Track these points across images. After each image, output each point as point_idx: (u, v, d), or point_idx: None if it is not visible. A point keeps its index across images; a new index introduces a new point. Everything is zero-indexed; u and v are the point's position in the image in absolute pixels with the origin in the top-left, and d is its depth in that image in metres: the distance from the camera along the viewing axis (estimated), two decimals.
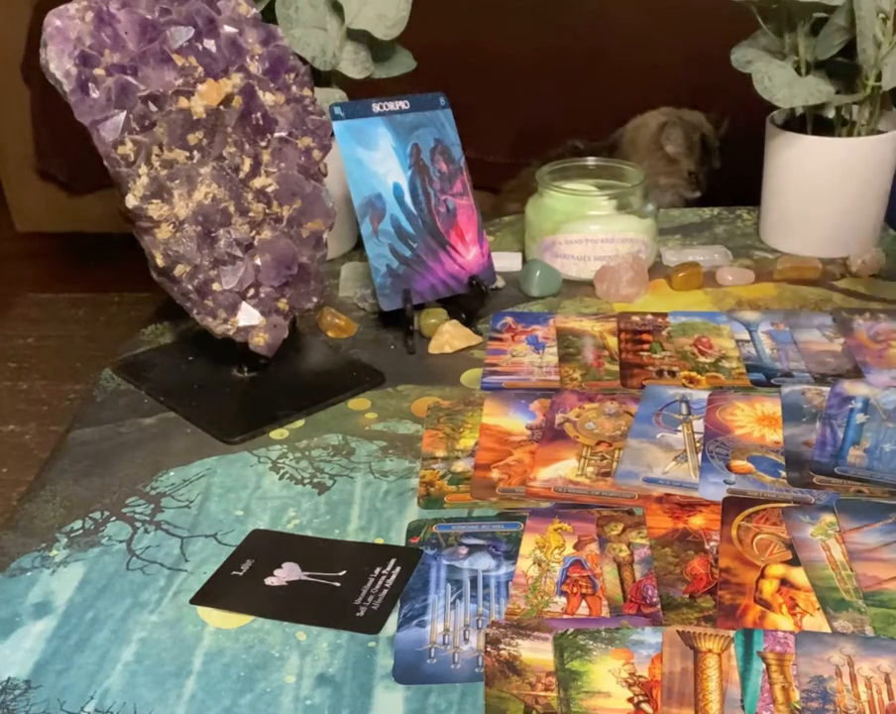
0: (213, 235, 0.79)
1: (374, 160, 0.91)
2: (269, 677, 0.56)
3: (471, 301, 0.95)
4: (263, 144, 0.80)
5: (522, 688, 0.54)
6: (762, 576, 0.62)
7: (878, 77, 0.99)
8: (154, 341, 0.95)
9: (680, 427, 0.77)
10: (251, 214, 0.80)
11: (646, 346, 0.90)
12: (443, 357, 0.90)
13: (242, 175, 0.80)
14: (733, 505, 0.68)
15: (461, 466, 0.74)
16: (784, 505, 0.68)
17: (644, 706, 0.53)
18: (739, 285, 1.01)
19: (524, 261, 1.06)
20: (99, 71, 0.74)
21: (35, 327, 2.24)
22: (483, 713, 0.53)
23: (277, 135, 0.81)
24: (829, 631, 0.57)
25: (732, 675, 0.54)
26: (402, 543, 0.66)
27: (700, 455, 0.74)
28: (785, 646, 0.56)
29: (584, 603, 0.60)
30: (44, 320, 2.27)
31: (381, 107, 0.92)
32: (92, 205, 2.30)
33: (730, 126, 1.63)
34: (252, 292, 0.81)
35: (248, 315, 0.81)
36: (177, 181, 0.77)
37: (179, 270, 0.78)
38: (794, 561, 0.63)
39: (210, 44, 0.78)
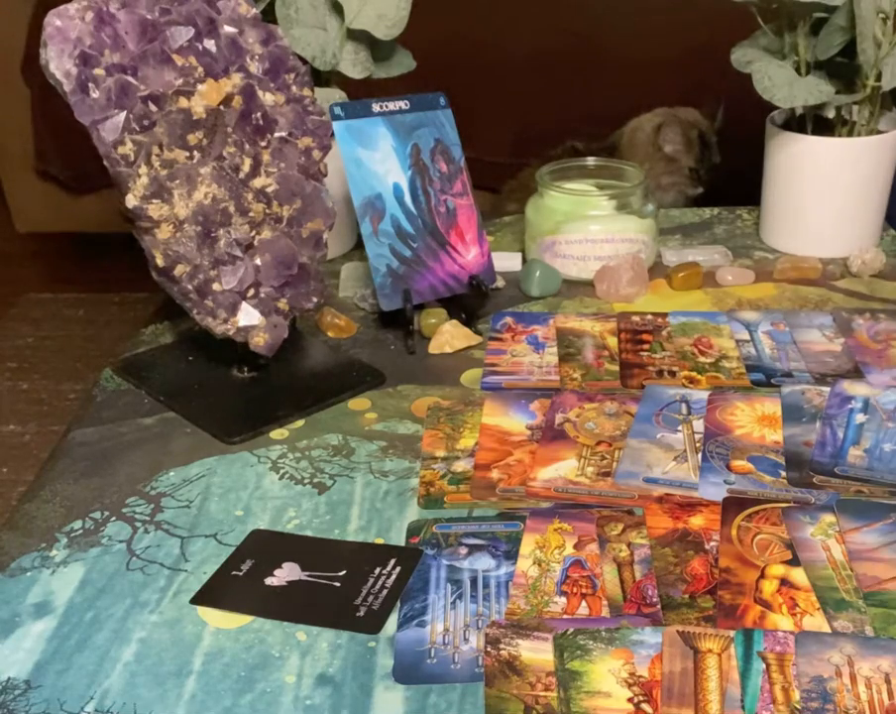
0: (213, 235, 0.79)
1: (374, 160, 0.91)
2: (269, 677, 0.56)
3: (471, 301, 0.95)
4: (263, 144, 0.80)
5: (522, 688, 0.54)
6: (762, 576, 0.62)
7: (878, 77, 0.99)
8: (154, 341, 0.95)
9: (680, 427, 0.77)
10: (251, 214, 0.80)
11: (646, 346, 0.90)
12: (443, 357, 0.90)
13: (242, 175, 0.80)
14: (733, 505, 0.68)
15: (461, 466, 0.74)
16: (784, 505, 0.68)
17: (644, 706, 0.53)
18: (739, 285, 1.01)
19: (524, 261, 1.06)
20: (99, 71, 0.74)
21: (35, 327, 2.24)
22: (483, 713, 0.53)
23: (277, 135, 0.81)
24: (829, 631, 0.57)
25: (732, 675, 0.54)
26: (402, 543, 0.66)
27: (700, 455, 0.74)
28: (785, 646, 0.56)
29: (584, 603, 0.60)
30: (44, 320, 2.27)
31: (381, 107, 0.92)
32: (92, 205, 2.31)
33: (729, 123, 1.63)
34: (252, 292, 0.81)
35: (248, 315, 0.81)
36: (177, 181, 0.77)
37: (179, 270, 0.78)
38: (794, 561, 0.63)
39: (210, 44, 0.78)
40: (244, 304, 0.81)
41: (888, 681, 0.54)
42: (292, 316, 0.84)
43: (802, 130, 1.05)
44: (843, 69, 1.02)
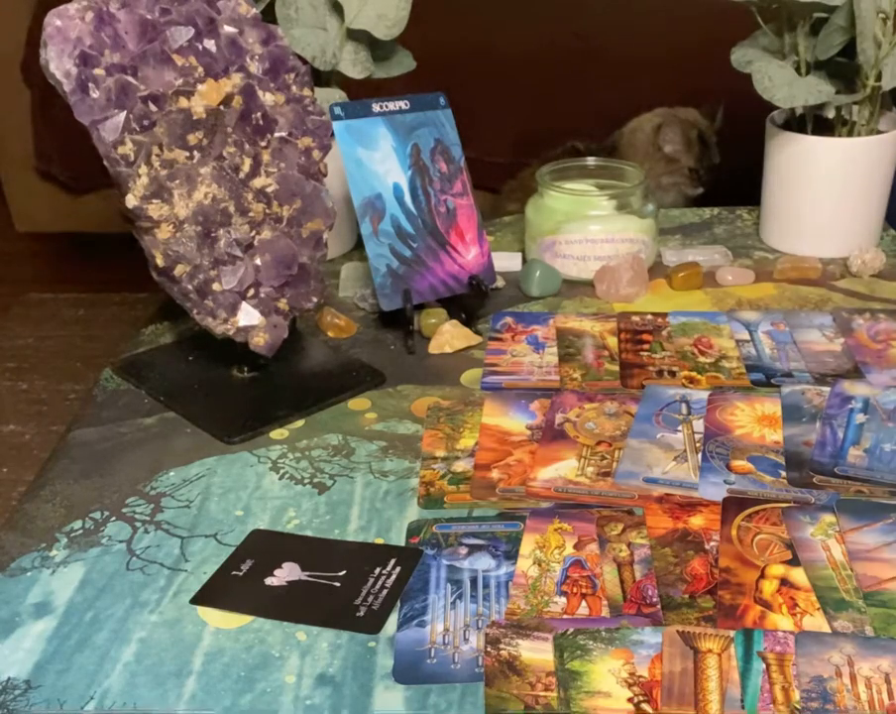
0: (213, 235, 0.79)
1: (374, 160, 0.91)
2: (269, 677, 0.56)
3: (471, 301, 0.95)
4: (263, 144, 0.80)
5: (522, 688, 0.54)
6: (762, 576, 0.62)
7: (878, 77, 0.99)
8: (154, 341, 0.95)
9: (680, 427, 0.77)
10: (251, 214, 0.80)
11: (646, 346, 0.90)
12: (443, 357, 0.90)
13: (242, 175, 0.80)
14: (733, 505, 0.68)
15: (461, 466, 0.74)
16: (784, 505, 0.68)
17: (644, 706, 0.53)
18: (739, 285, 1.01)
19: (524, 261, 1.06)
20: (99, 71, 0.74)
21: (35, 327, 2.24)
22: (483, 713, 0.53)
23: (277, 135, 0.81)
24: (829, 631, 0.57)
25: (732, 675, 0.54)
26: (402, 543, 0.66)
27: (700, 455, 0.74)
28: (785, 646, 0.56)
29: (584, 603, 0.60)
30: (44, 320, 2.27)
31: (381, 107, 0.92)
32: (92, 205, 2.31)
33: (729, 123, 1.63)
34: (252, 292, 0.81)
35: (248, 315, 0.81)
36: (177, 181, 0.77)
37: (179, 270, 0.78)
38: (794, 561, 0.63)
39: (210, 44, 0.78)
40: (244, 304, 0.81)
41: (888, 681, 0.54)
42: (292, 316, 0.84)
43: (802, 130, 1.05)
44: (843, 69, 1.02)
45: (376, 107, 0.92)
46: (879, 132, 1.03)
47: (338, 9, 1.03)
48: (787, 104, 0.99)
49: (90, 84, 0.74)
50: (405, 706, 0.54)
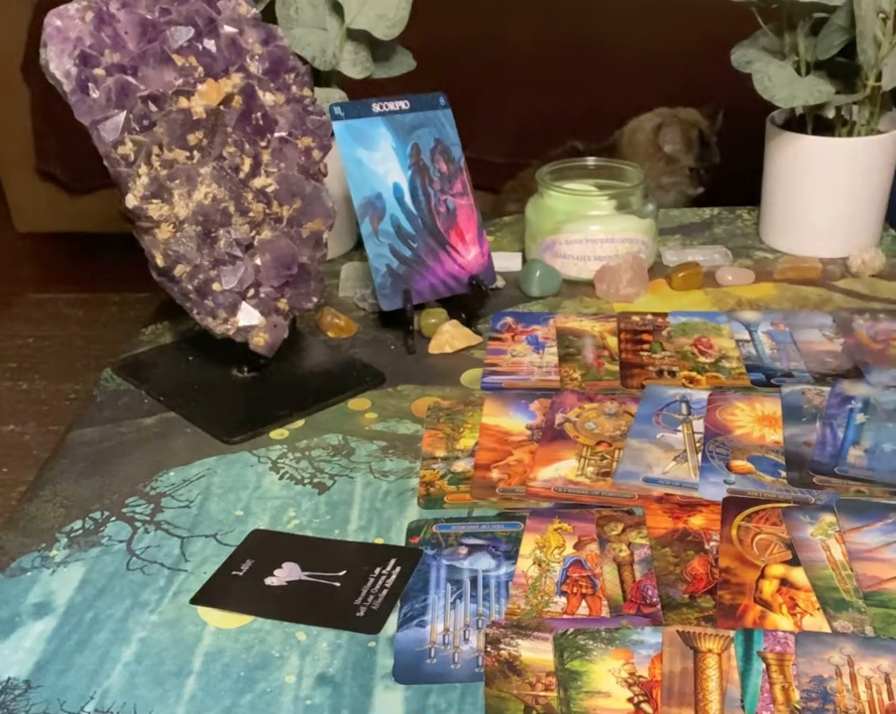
0: (213, 235, 0.79)
1: (374, 160, 0.91)
2: (269, 677, 0.56)
3: (471, 301, 0.95)
4: (263, 144, 0.80)
5: (522, 688, 0.54)
6: (762, 576, 0.62)
7: (878, 77, 0.99)
8: (154, 341, 0.95)
9: (680, 427, 0.77)
10: (251, 214, 0.80)
11: (646, 346, 0.90)
12: (443, 357, 0.90)
13: (242, 175, 0.80)
14: (733, 505, 0.68)
15: (461, 466, 0.74)
16: (784, 505, 0.68)
17: (644, 706, 0.53)
18: (739, 285, 1.01)
19: (524, 261, 1.06)
20: (99, 71, 0.74)
21: (35, 327, 2.24)
22: (483, 713, 0.53)
23: (277, 135, 0.81)
24: (829, 631, 0.57)
25: (732, 675, 0.54)
26: (402, 543, 0.66)
27: (700, 455, 0.74)
28: (785, 646, 0.56)
29: (584, 603, 0.60)
30: (44, 320, 2.27)
31: (381, 107, 0.92)
32: (92, 205, 2.31)
33: (729, 123, 1.63)
34: (252, 292, 0.81)
35: (248, 315, 0.81)
36: (177, 181, 0.77)
37: (179, 270, 0.78)
38: (794, 561, 0.63)
39: (210, 44, 0.78)
40: (244, 304, 0.81)
41: (888, 681, 0.54)
42: (292, 316, 0.84)
43: (802, 130, 1.05)
44: (843, 69, 1.02)
45: (376, 107, 0.92)
46: (879, 132, 1.03)
47: (338, 9, 1.03)
48: (787, 104, 0.99)
49: (90, 84, 0.74)
50: (405, 706, 0.54)
